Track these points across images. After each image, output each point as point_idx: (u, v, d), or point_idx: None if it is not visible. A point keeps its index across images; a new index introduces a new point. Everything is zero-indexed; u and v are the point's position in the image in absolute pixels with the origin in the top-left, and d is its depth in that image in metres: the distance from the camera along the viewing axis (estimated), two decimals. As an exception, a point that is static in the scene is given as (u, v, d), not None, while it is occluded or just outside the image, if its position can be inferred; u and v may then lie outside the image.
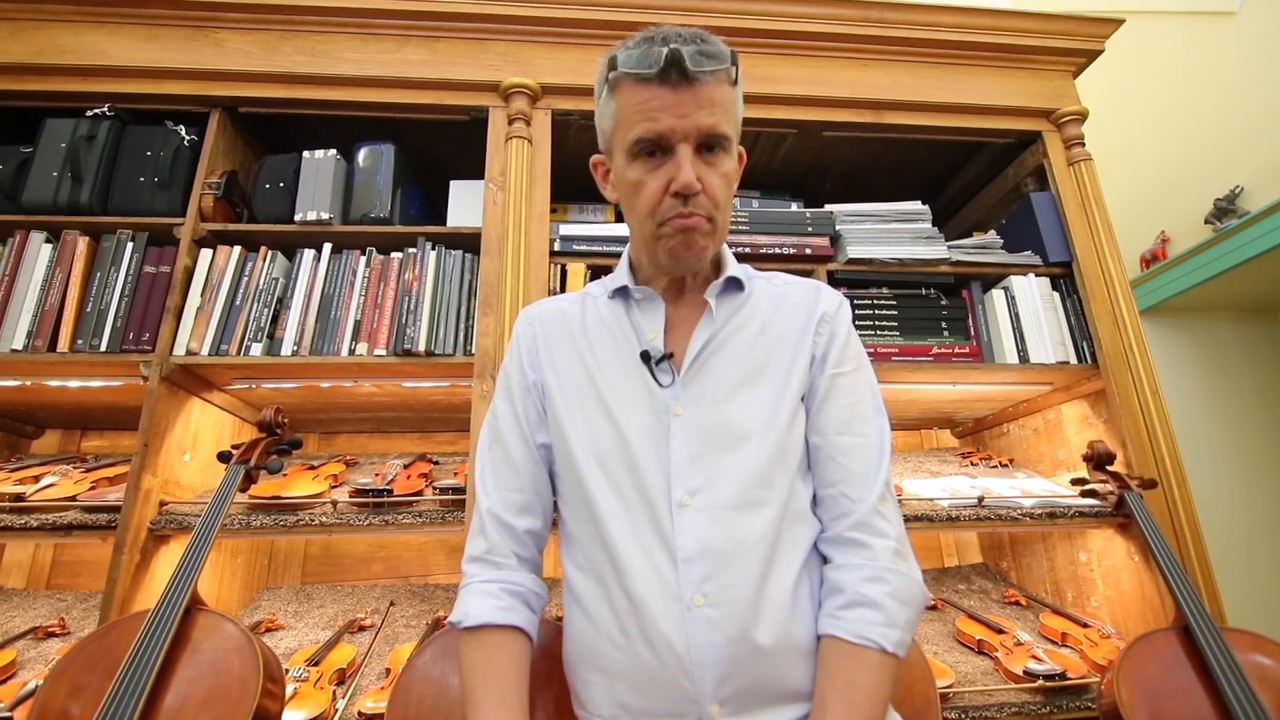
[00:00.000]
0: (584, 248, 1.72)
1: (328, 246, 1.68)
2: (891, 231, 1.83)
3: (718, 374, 0.88)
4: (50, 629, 1.57)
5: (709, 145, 0.83)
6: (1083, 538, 1.81)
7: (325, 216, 1.68)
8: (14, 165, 1.64)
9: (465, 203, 1.76)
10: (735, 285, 0.95)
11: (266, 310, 1.61)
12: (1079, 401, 1.85)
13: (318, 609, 1.82)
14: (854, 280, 1.80)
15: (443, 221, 1.76)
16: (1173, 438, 1.62)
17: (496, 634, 0.82)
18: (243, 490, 1.32)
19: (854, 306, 1.76)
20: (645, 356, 0.88)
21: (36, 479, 1.61)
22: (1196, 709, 1.11)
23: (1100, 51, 1.94)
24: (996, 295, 1.80)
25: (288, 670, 1.35)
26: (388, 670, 1.45)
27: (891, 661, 0.74)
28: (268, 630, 1.67)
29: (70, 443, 2.12)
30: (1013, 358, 1.74)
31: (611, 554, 0.80)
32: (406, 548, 2.12)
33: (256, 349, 1.57)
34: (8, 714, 1.20)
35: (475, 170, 1.71)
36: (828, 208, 1.85)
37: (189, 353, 1.54)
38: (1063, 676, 1.38)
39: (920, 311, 1.79)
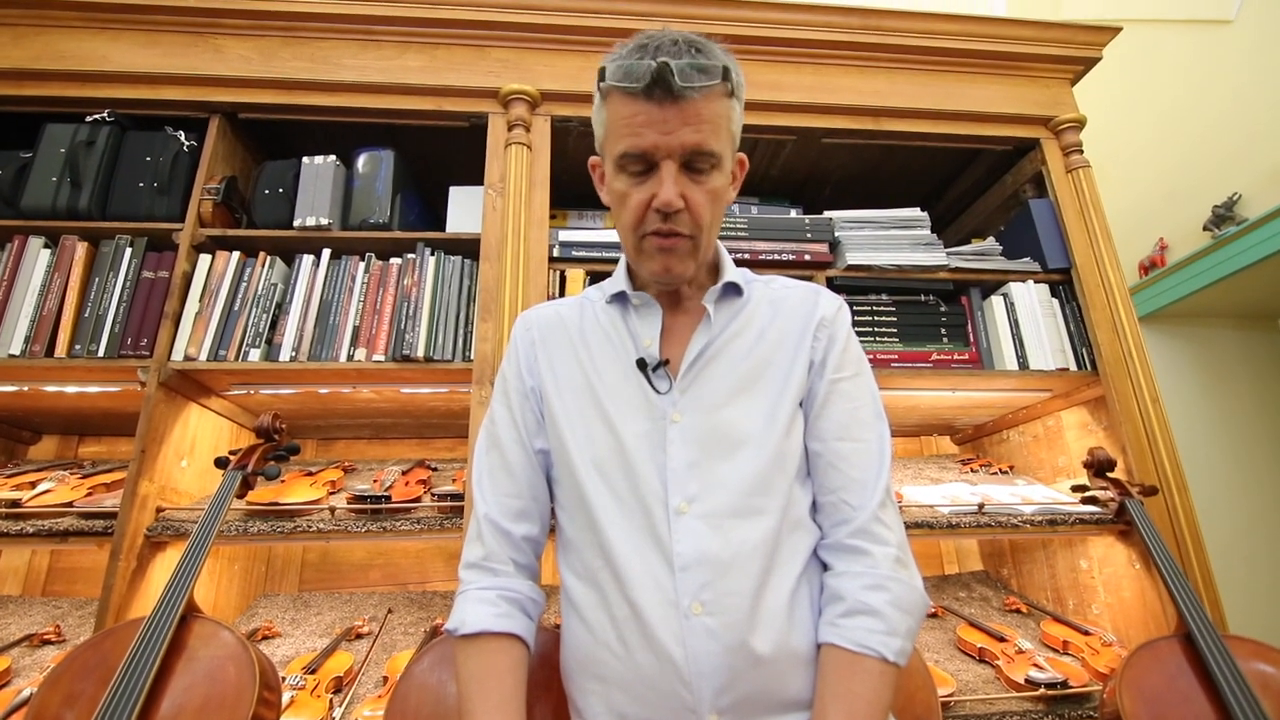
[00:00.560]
0: (583, 254, 1.72)
1: (327, 252, 1.68)
2: (890, 238, 1.83)
3: (715, 380, 0.87)
4: (46, 636, 1.56)
5: (695, 163, 0.81)
6: (1083, 545, 1.80)
7: (324, 222, 1.68)
8: (13, 170, 1.64)
9: (465, 208, 1.76)
10: (734, 290, 0.94)
11: (265, 316, 1.60)
12: (1079, 408, 1.84)
13: (315, 616, 1.80)
14: (853, 287, 1.80)
15: (442, 227, 1.76)
16: (1173, 444, 1.61)
17: (494, 641, 0.81)
18: (240, 496, 1.32)
19: (853, 313, 1.75)
20: (641, 364, 0.88)
21: (33, 485, 1.60)
22: (1199, 718, 1.10)
23: (1098, 59, 1.95)
24: (996, 302, 1.80)
25: (284, 678, 1.34)
26: (385, 678, 1.44)
27: (892, 671, 0.73)
28: (264, 638, 1.66)
29: (68, 448, 2.11)
30: (1012, 364, 1.74)
31: (610, 561, 0.80)
32: (405, 555, 2.11)
33: (255, 354, 1.57)
34: (1, 722, 1.19)
35: (475, 176, 1.71)
36: (827, 214, 1.85)
37: (187, 358, 1.54)
38: (1065, 685, 1.37)
39: (919, 318, 1.79)
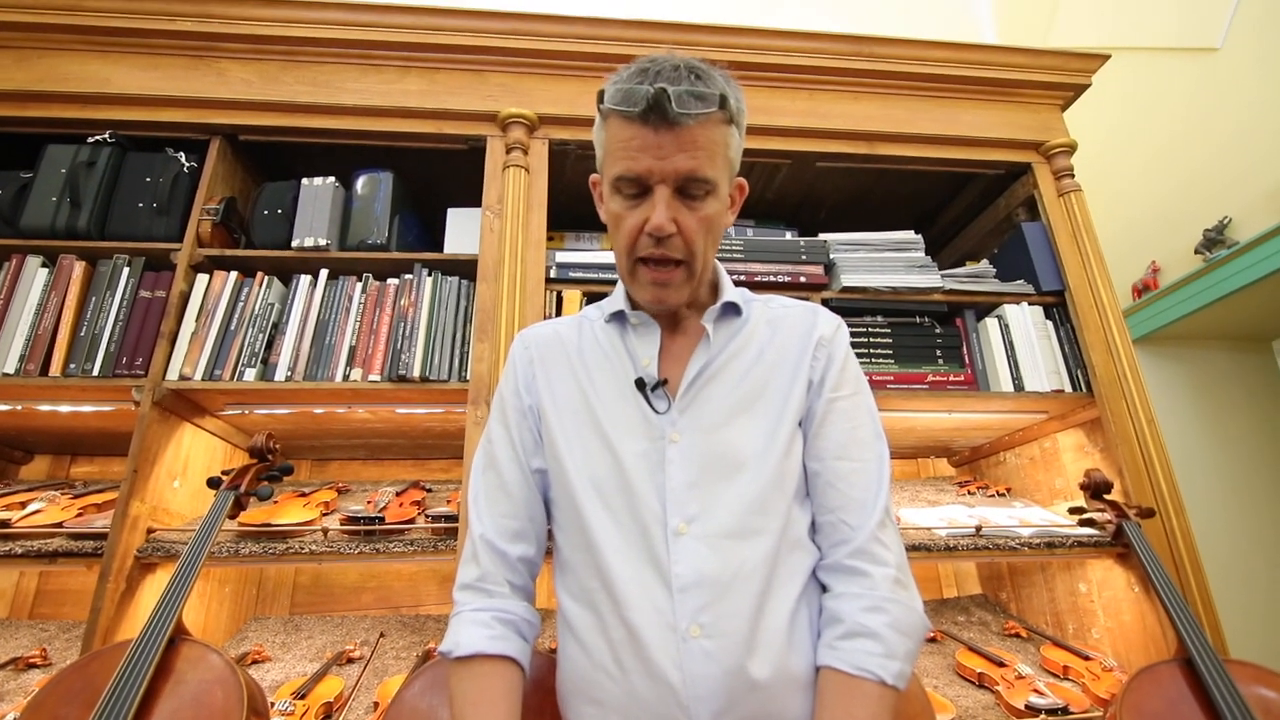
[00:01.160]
0: (580, 275, 1.73)
1: (324, 272, 1.69)
2: (885, 260, 1.85)
3: (714, 400, 0.87)
4: (31, 660, 1.53)
5: (688, 188, 0.82)
6: (1082, 568, 1.79)
7: (323, 243, 1.68)
8: (13, 190, 1.65)
9: (463, 230, 1.77)
10: (733, 310, 0.95)
11: (261, 335, 1.60)
12: (1075, 430, 1.84)
13: (306, 640, 1.78)
14: (849, 308, 1.81)
15: (440, 248, 1.77)
16: (1169, 467, 1.61)
17: (488, 664, 0.80)
18: (232, 517, 1.30)
19: (850, 334, 1.77)
20: (640, 384, 0.87)
21: (23, 505, 1.58)
22: (1201, 744, 1.09)
23: (1087, 86, 1.98)
24: (990, 324, 1.81)
25: (273, 703, 1.32)
26: (376, 704, 1.41)
27: (891, 694, 0.72)
28: (254, 662, 1.64)
29: (60, 468, 2.09)
30: (1008, 386, 1.74)
31: (607, 582, 0.79)
32: (398, 578, 2.08)
33: (250, 374, 1.56)
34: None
35: (473, 198, 1.72)
36: (822, 236, 1.87)
37: (182, 377, 1.53)
38: (1065, 711, 1.35)
39: (915, 340, 1.79)
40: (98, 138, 1.69)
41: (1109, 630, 1.68)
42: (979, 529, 1.62)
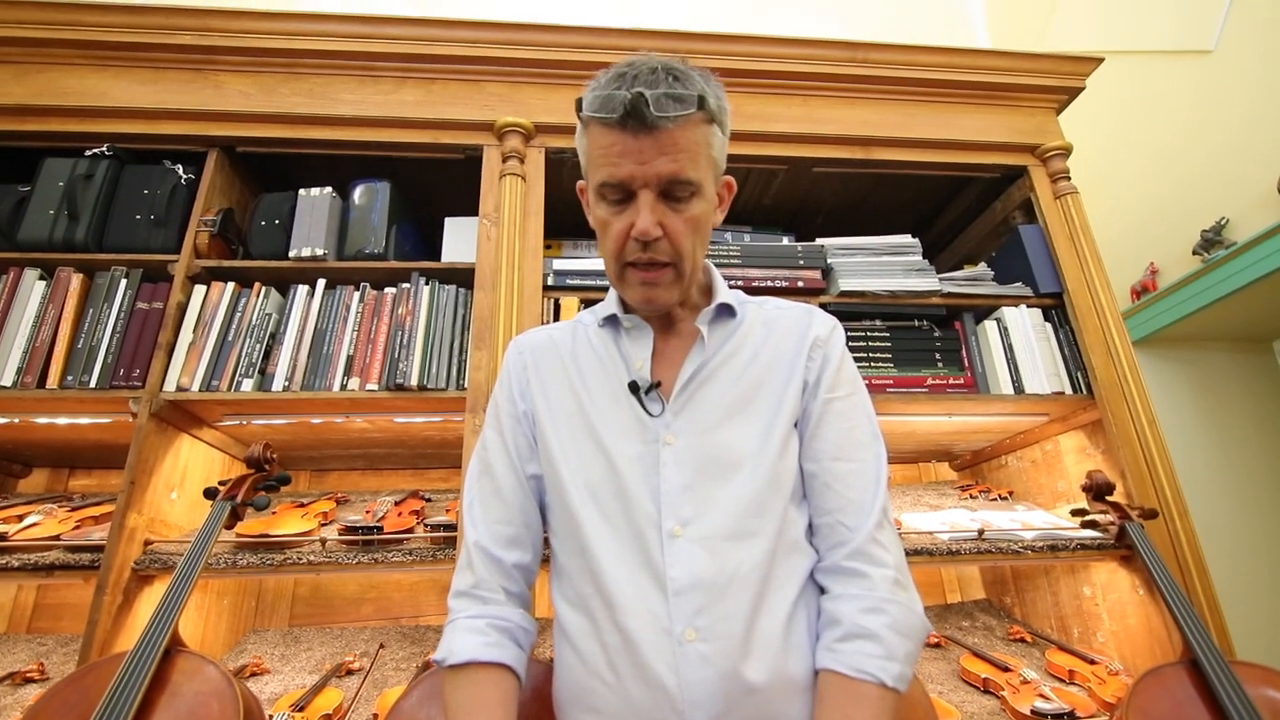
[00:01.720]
0: (577, 282, 1.73)
1: (321, 282, 1.69)
2: (883, 264, 1.85)
3: (709, 402, 0.87)
4: (29, 674, 1.52)
5: (672, 191, 0.82)
6: (1086, 571, 1.78)
7: (320, 253, 1.69)
8: (11, 204, 1.66)
9: (460, 238, 1.77)
10: (727, 312, 0.94)
11: (259, 346, 1.60)
12: (1076, 432, 1.84)
13: (305, 652, 1.77)
14: (847, 313, 1.81)
15: (437, 257, 1.77)
16: (1171, 468, 1.60)
17: (483, 672, 0.79)
18: (229, 528, 1.30)
19: (848, 338, 1.75)
20: (634, 386, 0.87)
21: (20, 518, 1.58)
22: (1209, 747, 1.07)
23: (1081, 89, 1.99)
24: (989, 326, 1.81)
25: (271, 716, 1.31)
26: (375, 715, 1.40)
27: (892, 697, 0.71)
28: (253, 674, 1.63)
29: (58, 481, 2.08)
30: (1008, 388, 1.74)
31: (601, 587, 0.78)
32: (398, 588, 2.07)
33: (248, 384, 1.56)
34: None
35: (470, 207, 1.72)
36: (819, 241, 1.87)
37: (179, 388, 1.53)
38: (1071, 716, 1.34)
39: (914, 343, 1.79)
40: (95, 151, 1.70)
41: (1114, 633, 1.67)
42: (981, 532, 1.61)
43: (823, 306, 1.77)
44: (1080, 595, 1.80)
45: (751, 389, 0.88)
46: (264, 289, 1.67)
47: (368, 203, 1.78)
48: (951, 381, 1.76)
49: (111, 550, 1.38)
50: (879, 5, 3.24)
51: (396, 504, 1.74)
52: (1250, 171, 2.22)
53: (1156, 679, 1.18)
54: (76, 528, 1.53)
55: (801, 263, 1.82)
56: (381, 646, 1.75)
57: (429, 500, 1.85)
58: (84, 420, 1.64)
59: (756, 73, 1.88)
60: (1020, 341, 1.78)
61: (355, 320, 1.65)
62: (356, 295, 1.68)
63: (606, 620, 0.77)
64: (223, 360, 1.58)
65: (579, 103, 0.84)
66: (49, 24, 1.70)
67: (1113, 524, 1.49)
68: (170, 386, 1.53)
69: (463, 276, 1.70)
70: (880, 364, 1.75)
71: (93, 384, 1.52)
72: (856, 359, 1.74)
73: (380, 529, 1.50)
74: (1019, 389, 1.74)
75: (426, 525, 1.56)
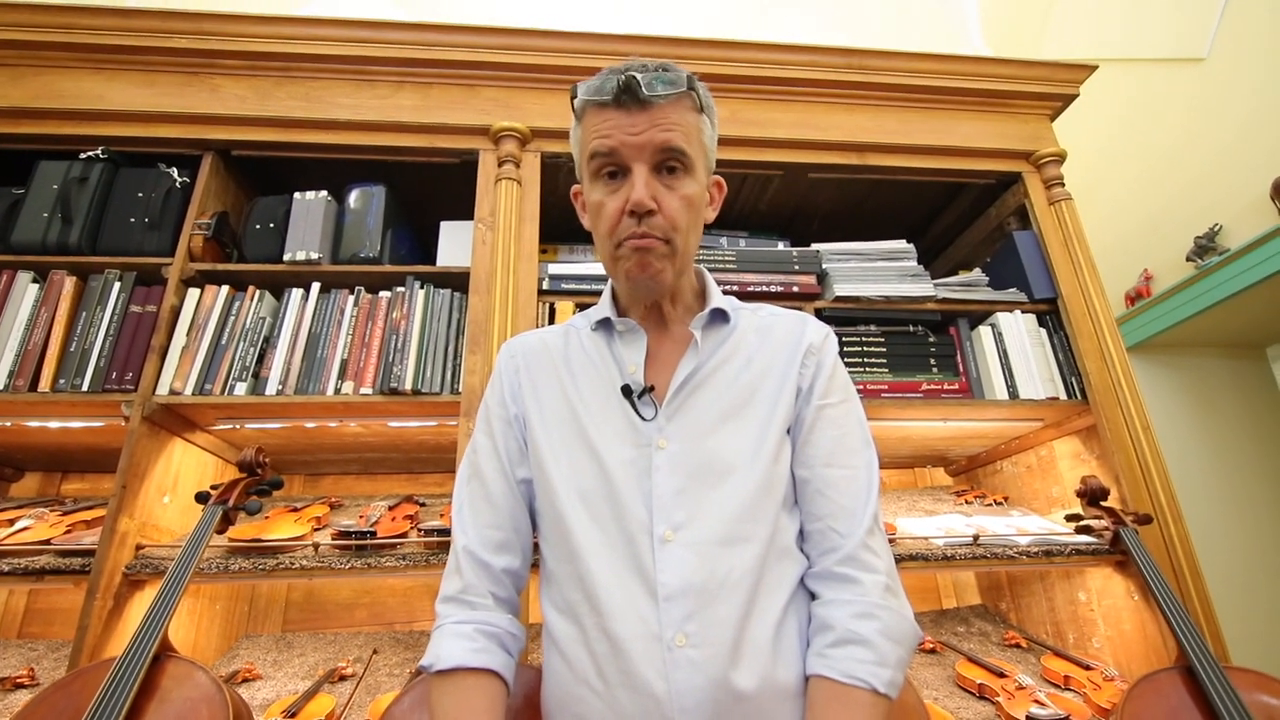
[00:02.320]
0: (572, 286, 1.73)
1: (316, 286, 1.69)
2: (878, 270, 1.85)
3: (702, 407, 0.86)
4: (19, 680, 1.51)
5: (667, 165, 0.83)
6: (1081, 577, 1.78)
7: (314, 256, 1.68)
8: (5, 206, 1.65)
9: (455, 243, 1.77)
10: (721, 317, 0.94)
11: (252, 349, 1.60)
12: (1071, 438, 1.84)
13: (298, 658, 1.75)
14: (842, 318, 1.81)
15: (433, 261, 1.77)
16: (1166, 473, 1.60)
17: (470, 677, 0.78)
18: (220, 532, 1.29)
19: (843, 344, 1.77)
20: (626, 390, 0.87)
21: (11, 522, 1.57)
22: (1203, 754, 1.07)
23: (1075, 96, 2.00)
24: (984, 332, 1.81)
25: (262, 722, 1.30)
26: (367, 721, 1.39)
27: (883, 703, 0.71)
28: (245, 680, 1.61)
29: (50, 485, 2.07)
30: (1002, 394, 1.74)
31: (590, 593, 0.78)
32: (392, 593, 2.06)
33: (241, 388, 1.55)
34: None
35: (466, 211, 1.72)
36: (814, 246, 1.87)
37: (172, 392, 1.52)
38: (1066, 721, 1.34)
39: (909, 348, 1.79)
40: (90, 154, 1.70)
41: (1109, 639, 1.66)
42: (977, 538, 1.61)
43: (818, 312, 1.79)
44: (1075, 601, 1.79)
45: (745, 395, 0.88)
46: (258, 292, 1.67)
47: (363, 207, 1.78)
48: (946, 387, 1.76)
49: (103, 555, 1.38)
50: (875, 12, 3.26)
51: (390, 509, 1.73)
52: (1243, 178, 2.24)
53: (1151, 685, 1.18)
54: (68, 532, 1.52)
55: (797, 268, 1.82)
56: (375, 652, 1.74)
57: (423, 505, 1.85)
58: (76, 424, 1.64)
59: (752, 78, 1.89)
60: (1015, 347, 1.78)
61: (350, 324, 1.65)
62: (351, 299, 1.68)
63: (594, 627, 0.77)
64: (216, 364, 1.57)
65: (574, 90, 0.86)
66: (44, 27, 1.70)
67: (1107, 529, 1.49)
68: (163, 390, 1.52)
69: (458, 281, 1.70)
70: (875, 369, 1.76)
71: (85, 387, 1.51)
72: (851, 364, 1.74)
73: (374, 534, 1.50)
74: (1013, 394, 1.74)
75: (420, 530, 1.55)
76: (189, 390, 1.53)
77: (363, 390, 1.57)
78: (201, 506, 1.30)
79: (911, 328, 1.84)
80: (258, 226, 1.74)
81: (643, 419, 0.85)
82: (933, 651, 1.80)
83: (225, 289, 1.65)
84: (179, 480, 1.66)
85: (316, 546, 1.48)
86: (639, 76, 0.80)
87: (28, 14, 1.69)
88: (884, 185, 2.05)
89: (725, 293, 1.00)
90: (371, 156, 1.79)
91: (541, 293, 1.70)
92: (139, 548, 1.47)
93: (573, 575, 0.81)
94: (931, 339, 1.82)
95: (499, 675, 0.80)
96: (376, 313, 1.66)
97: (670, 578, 0.76)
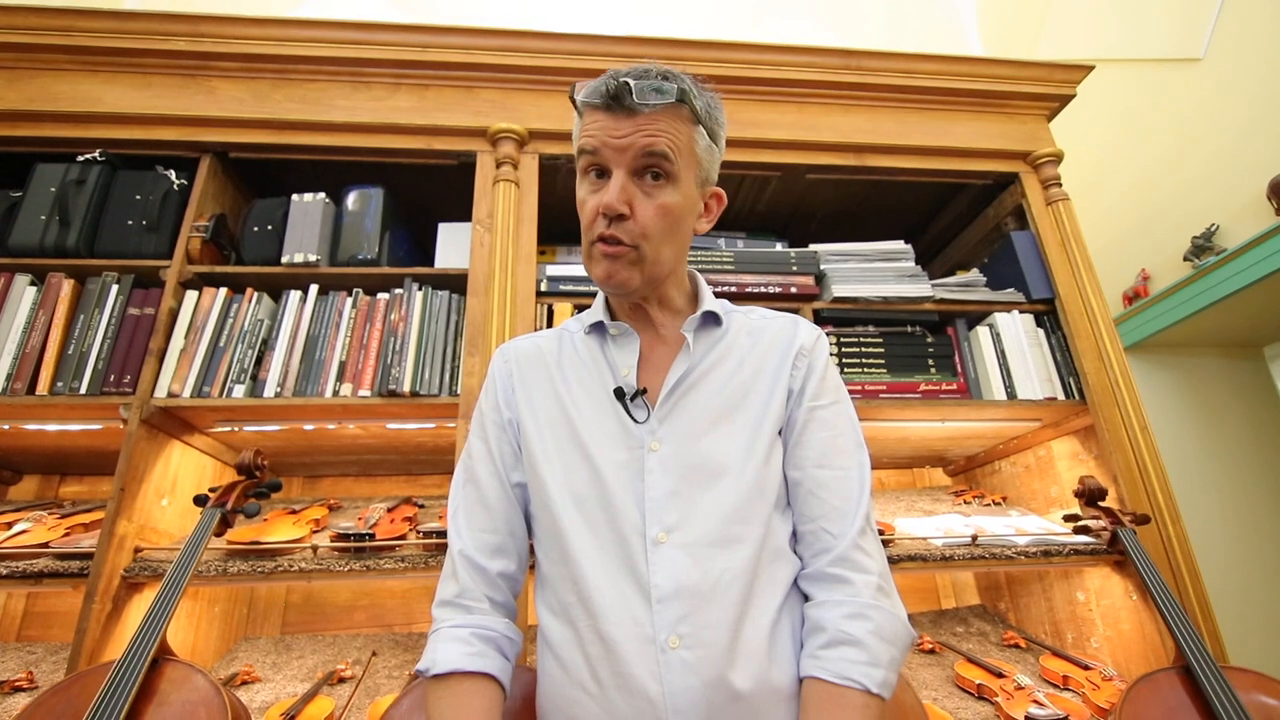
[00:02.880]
0: (570, 288, 1.73)
1: (314, 288, 1.69)
2: (876, 270, 1.85)
3: (694, 409, 0.86)
4: (17, 683, 1.50)
5: (650, 171, 0.83)
6: (1080, 577, 1.78)
7: (313, 258, 1.68)
8: (2, 209, 1.66)
9: (453, 244, 1.77)
10: (713, 320, 0.95)
11: (251, 352, 1.60)
12: (1069, 438, 1.84)
13: (297, 660, 1.75)
14: (840, 318, 1.81)
15: (431, 263, 1.77)
16: (1164, 473, 1.61)
17: (467, 681, 0.78)
18: (219, 535, 1.29)
19: (841, 344, 1.77)
20: (619, 393, 0.87)
21: (9, 525, 1.56)
22: (1201, 754, 1.07)
23: (1072, 96, 2.00)
24: (982, 332, 1.81)
25: (260, 725, 1.30)
26: (366, 724, 1.39)
27: (876, 703, 0.71)
28: (244, 683, 1.61)
29: (49, 488, 2.07)
30: (1000, 394, 1.74)
31: (583, 595, 0.78)
32: (390, 595, 2.06)
33: (239, 391, 1.55)
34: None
35: (464, 213, 1.72)
36: (812, 247, 1.88)
37: (170, 395, 1.52)
38: (1064, 721, 1.34)
39: (907, 349, 1.80)
40: (87, 156, 1.70)
41: (1108, 639, 1.67)
42: (975, 538, 1.61)
43: (816, 312, 1.79)
44: (1074, 601, 1.80)
45: (737, 396, 0.88)
46: (256, 295, 1.67)
47: (361, 208, 1.78)
48: (944, 387, 1.76)
49: (101, 558, 1.38)
50: (872, 13, 3.26)
51: (389, 510, 1.73)
52: (1240, 178, 2.24)
53: (1149, 684, 1.18)
54: (66, 535, 1.52)
55: (795, 269, 1.83)
56: (374, 654, 1.74)
57: (422, 507, 1.85)
58: (74, 427, 1.64)
59: (751, 80, 1.89)
60: (1013, 347, 1.78)
61: (348, 326, 1.65)
62: (349, 301, 1.68)
63: (588, 629, 0.77)
64: (214, 366, 1.57)
65: (572, 89, 0.87)
66: (41, 29, 1.70)
67: (1105, 529, 1.49)
68: (161, 393, 1.52)
69: (456, 282, 1.70)
70: (873, 370, 1.76)
71: (83, 390, 1.51)
72: (849, 365, 1.75)
73: (373, 536, 1.50)
74: (1011, 395, 1.74)
75: (419, 532, 1.55)
76: (187, 393, 1.53)
77: (361, 392, 1.57)
78: (200, 509, 1.30)
79: (909, 328, 1.84)
80: (255, 228, 1.74)
81: (635, 421, 0.85)
82: (932, 652, 1.80)
83: (223, 291, 1.65)
84: (177, 483, 1.66)
85: (315, 549, 1.48)
86: (632, 83, 0.81)
87: (24, 16, 1.69)
88: (881, 186, 2.05)
89: (723, 294, 1.00)
90: (369, 158, 1.79)
91: (540, 294, 1.70)
92: (137, 550, 1.47)
93: (566, 577, 0.81)
94: (929, 339, 1.82)
95: (495, 679, 0.80)
96: (375, 315, 1.66)
97: (663, 579, 0.76)
